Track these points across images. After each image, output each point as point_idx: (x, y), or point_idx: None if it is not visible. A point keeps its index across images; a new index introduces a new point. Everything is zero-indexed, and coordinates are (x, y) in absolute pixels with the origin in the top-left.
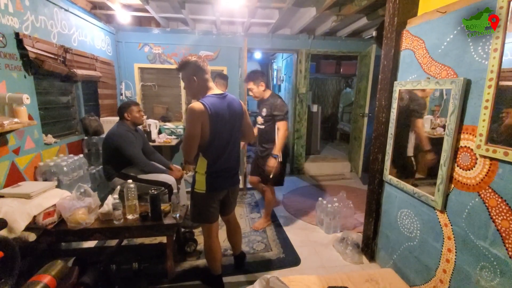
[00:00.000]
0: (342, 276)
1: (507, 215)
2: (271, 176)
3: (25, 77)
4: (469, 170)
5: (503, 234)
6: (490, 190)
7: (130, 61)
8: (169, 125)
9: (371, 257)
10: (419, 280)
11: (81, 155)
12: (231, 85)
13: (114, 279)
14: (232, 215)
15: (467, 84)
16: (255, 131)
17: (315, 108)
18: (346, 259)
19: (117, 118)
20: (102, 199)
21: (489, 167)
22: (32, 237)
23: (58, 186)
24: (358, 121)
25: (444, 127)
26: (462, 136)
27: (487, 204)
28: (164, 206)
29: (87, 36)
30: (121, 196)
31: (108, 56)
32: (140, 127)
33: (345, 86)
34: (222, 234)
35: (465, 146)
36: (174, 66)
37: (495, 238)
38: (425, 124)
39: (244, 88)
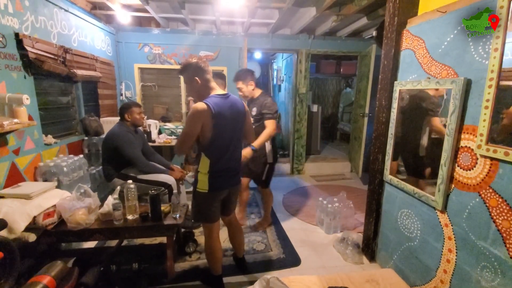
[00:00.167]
0: (342, 277)
1: (508, 215)
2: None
3: (25, 77)
4: (470, 170)
5: (504, 234)
6: (490, 190)
7: (130, 61)
8: (169, 125)
9: (372, 257)
10: (420, 280)
11: (81, 156)
12: (232, 85)
13: (114, 279)
14: (233, 217)
15: (468, 84)
16: None
17: (315, 108)
18: (347, 259)
19: (117, 119)
20: (102, 200)
21: (490, 167)
22: (32, 237)
23: (58, 187)
24: (358, 121)
25: (444, 126)
26: (462, 136)
27: (487, 204)
28: (164, 207)
29: (87, 36)
30: (121, 196)
31: (108, 56)
32: (140, 128)
33: (345, 86)
34: (222, 235)
35: (466, 146)
36: (174, 67)
37: (495, 238)
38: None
39: None
